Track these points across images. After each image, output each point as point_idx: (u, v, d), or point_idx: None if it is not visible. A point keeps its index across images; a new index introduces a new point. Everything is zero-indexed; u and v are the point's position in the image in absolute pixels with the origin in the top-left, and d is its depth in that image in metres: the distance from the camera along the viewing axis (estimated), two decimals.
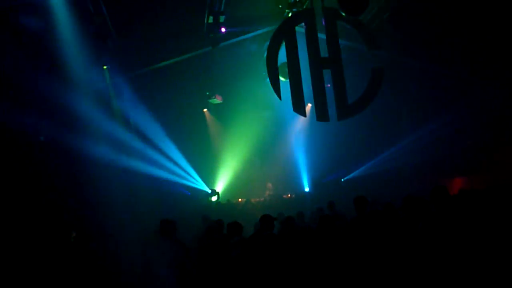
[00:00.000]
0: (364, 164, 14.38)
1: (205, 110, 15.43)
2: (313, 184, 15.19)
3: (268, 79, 9.99)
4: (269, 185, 15.32)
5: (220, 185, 15.12)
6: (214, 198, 14.20)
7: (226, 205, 13.67)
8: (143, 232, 8.58)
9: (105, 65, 11.02)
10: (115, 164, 11.53)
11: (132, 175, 11.93)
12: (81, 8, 9.49)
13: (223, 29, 10.60)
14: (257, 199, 14.39)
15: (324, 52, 10.05)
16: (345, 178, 14.85)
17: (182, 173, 13.93)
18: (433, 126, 13.03)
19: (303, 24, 10.15)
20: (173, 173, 13.53)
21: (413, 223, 4.54)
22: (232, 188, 15.21)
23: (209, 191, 14.43)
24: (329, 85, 10.26)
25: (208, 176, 15.05)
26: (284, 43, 9.98)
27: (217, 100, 13.74)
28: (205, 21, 10.54)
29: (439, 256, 3.56)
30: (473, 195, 4.09)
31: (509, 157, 11.35)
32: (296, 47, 9.97)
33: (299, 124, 15.81)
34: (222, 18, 10.41)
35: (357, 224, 5.86)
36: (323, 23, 10.01)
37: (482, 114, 12.00)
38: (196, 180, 14.39)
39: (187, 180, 14.08)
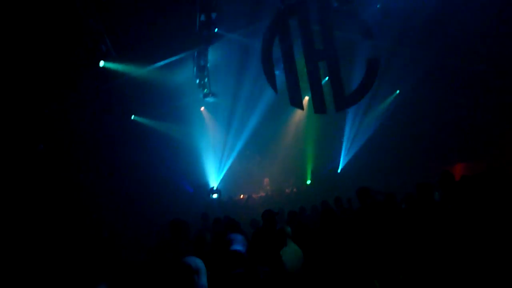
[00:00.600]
0: (362, 152, 14.34)
1: (202, 108, 15.40)
2: (313, 176, 15.17)
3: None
4: (266, 180, 15.29)
5: (221, 182, 15.10)
6: (215, 196, 14.19)
7: (228, 202, 13.65)
8: (150, 232, 8.54)
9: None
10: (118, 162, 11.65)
11: (134, 173, 12.02)
12: (72, 11, 9.45)
13: (215, 28, 10.54)
14: (259, 195, 14.37)
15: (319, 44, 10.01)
16: (341, 167, 14.80)
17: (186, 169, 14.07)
18: (432, 111, 13.03)
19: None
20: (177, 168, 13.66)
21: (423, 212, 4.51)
22: (233, 184, 15.19)
23: (214, 187, 14.46)
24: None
25: (209, 173, 15.07)
26: (278, 37, 9.94)
27: (213, 97, 13.73)
28: (197, 19, 10.47)
29: (446, 246, 3.53)
30: (475, 181, 4.05)
31: (509, 141, 11.33)
32: (290, 40, 9.93)
33: (297, 117, 15.79)
34: (214, 15, 10.35)
35: (361, 216, 5.83)
36: (317, 14, 9.97)
37: (483, 99, 11.96)
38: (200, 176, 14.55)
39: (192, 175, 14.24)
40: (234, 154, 15.36)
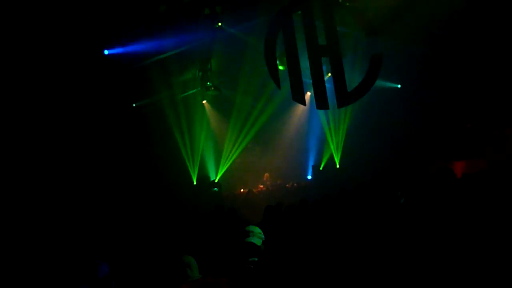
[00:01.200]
0: (361, 147, 14.36)
1: (204, 102, 15.40)
2: (314, 172, 15.20)
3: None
4: (266, 175, 15.32)
5: (221, 175, 15.14)
6: (215, 189, 14.25)
7: (228, 196, 13.71)
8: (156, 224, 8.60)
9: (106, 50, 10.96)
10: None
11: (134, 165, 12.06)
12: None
13: (219, 22, 10.56)
14: (259, 189, 14.42)
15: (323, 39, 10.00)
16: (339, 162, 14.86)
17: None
18: (431, 107, 13.07)
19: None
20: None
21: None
22: (233, 178, 15.25)
23: (215, 180, 14.51)
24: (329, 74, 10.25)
25: (210, 167, 15.11)
26: (281, 31, 9.93)
27: (215, 91, 13.74)
28: (202, 12, 10.48)
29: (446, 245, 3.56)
30: (477, 179, 4.06)
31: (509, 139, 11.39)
32: (294, 35, 9.91)
33: (299, 112, 15.80)
34: (218, 9, 10.36)
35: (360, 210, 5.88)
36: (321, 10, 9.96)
37: (482, 95, 11.98)
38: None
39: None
40: (236, 148, 15.38)
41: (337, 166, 14.80)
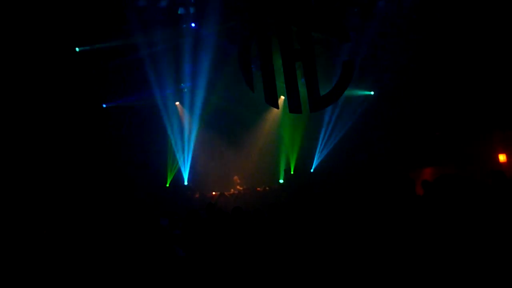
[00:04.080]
0: (334, 152, 14.48)
1: (177, 103, 15.21)
2: (286, 175, 15.22)
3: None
4: (236, 178, 15.24)
5: (194, 179, 14.96)
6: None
7: (199, 199, 13.56)
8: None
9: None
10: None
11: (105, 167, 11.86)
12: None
13: (193, 24, 10.51)
14: (231, 192, 14.33)
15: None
16: (314, 167, 14.93)
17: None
18: (400, 115, 13.31)
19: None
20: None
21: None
22: (206, 181, 15.09)
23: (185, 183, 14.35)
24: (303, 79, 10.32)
25: (183, 169, 14.94)
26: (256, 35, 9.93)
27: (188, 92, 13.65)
28: (176, 13, 10.41)
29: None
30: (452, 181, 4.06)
31: (478, 146, 11.71)
32: (269, 39, 9.93)
33: (272, 115, 15.81)
34: (192, 10, 10.30)
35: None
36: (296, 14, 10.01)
37: (451, 104, 12.29)
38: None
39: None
40: (208, 151, 15.25)
41: (312, 170, 14.88)
